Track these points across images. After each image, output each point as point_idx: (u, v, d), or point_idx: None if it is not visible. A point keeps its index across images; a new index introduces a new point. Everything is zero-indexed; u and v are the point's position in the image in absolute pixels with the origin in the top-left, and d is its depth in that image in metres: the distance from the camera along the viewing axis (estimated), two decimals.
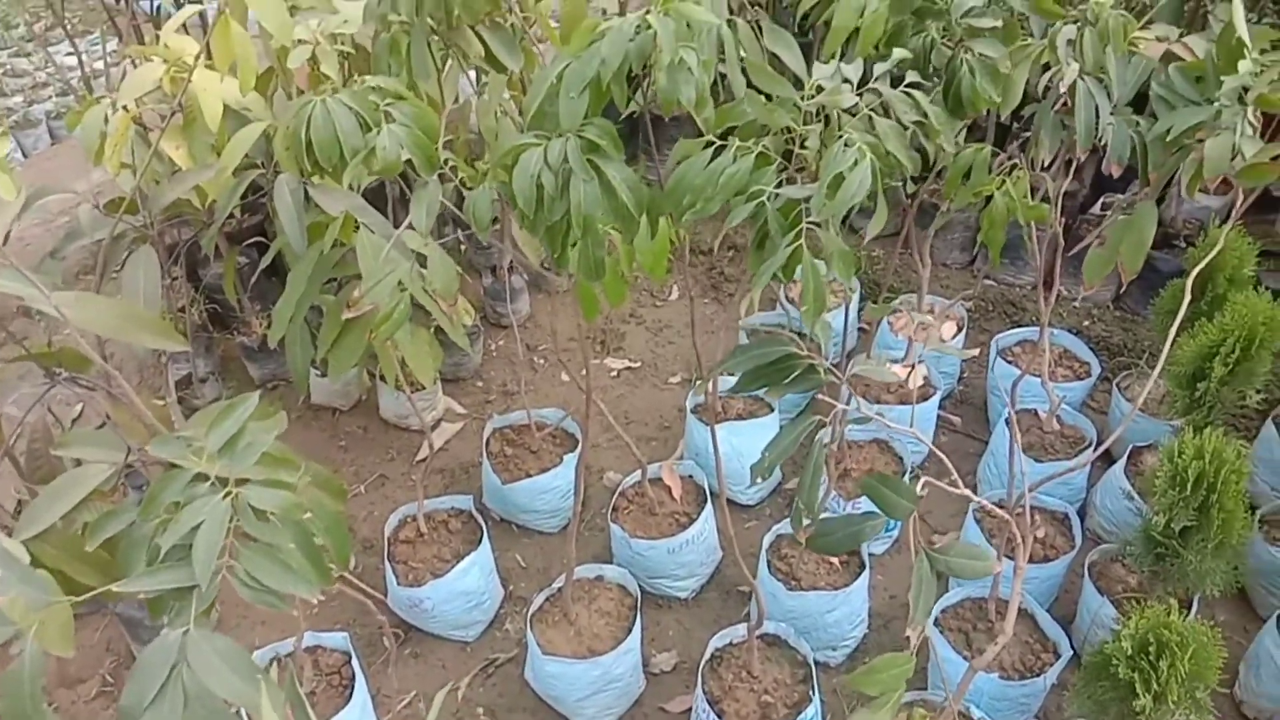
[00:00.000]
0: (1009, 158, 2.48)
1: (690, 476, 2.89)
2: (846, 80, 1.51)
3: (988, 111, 2.22)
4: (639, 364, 3.71)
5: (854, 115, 1.53)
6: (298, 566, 1.30)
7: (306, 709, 1.39)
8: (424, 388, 3.17)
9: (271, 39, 2.05)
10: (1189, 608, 2.44)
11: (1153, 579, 2.40)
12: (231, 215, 3.12)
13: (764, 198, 1.47)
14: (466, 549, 2.60)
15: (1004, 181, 2.42)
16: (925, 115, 1.60)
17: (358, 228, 2.08)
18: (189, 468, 1.34)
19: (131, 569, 1.37)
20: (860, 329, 3.73)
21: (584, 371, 2.22)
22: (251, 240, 3.31)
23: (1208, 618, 2.74)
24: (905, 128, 1.60)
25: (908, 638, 1.32)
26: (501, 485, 2.84)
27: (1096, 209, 3.89)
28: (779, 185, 1.48)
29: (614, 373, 3.65)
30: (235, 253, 2.97)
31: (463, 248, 4.04)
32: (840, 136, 1.46)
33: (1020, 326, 3.58)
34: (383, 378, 3.20)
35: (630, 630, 2.40)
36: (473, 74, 3.37)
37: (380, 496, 3.13)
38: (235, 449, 1.37)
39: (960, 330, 3.45)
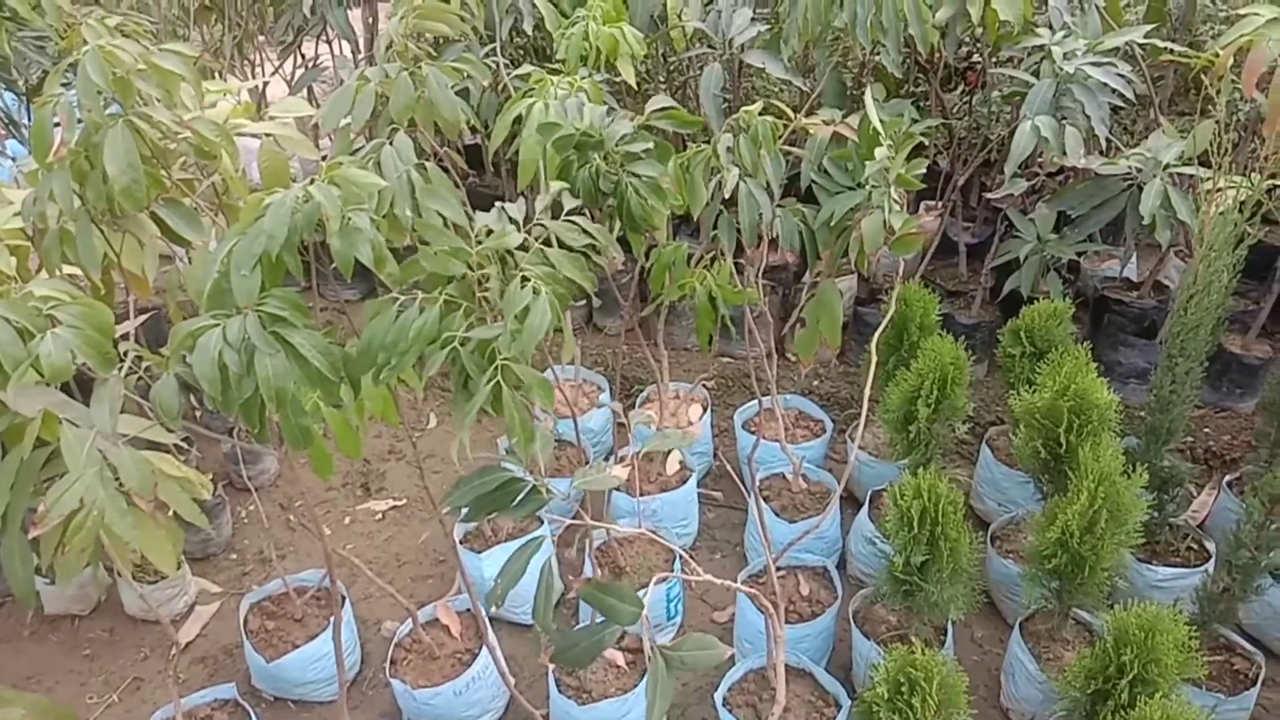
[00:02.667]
0: (710, 247, 2.67)
1: (469, 611, 2.84)
2: (512, 220, 1.59)
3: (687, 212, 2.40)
4: (404, 501, 3.63)
5: (527, 250, 1.61)
6: None
7: None
8: (167, 575, 2.95)
9: None
10: (946, 633, 2.64)
11: (908, 614, 2.58)
12: None
13: (455, 343, 1.51)
14: None
15: (705, 276, 2.60)
16: (592, 235, 1.71)
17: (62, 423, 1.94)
18: None
19: None
20: (619, 424, 3.84)
21: (321, 526, 2.16)
22: None
23: (966, 638, 2.98)
24: (576, 252, 1.70)
25: None
26: (267, 664, 2.67)
27: (809, 279, 4.25)
28: (469, 329, 1.52)
29: (379, 515, 3.56)
30: None
31: (197, 413, 3.85)
32: (518, 272, 1.53)
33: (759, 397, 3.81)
34: (119, 573, 2.96)
35: None
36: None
37: (137, 702, 2.86)
38: None
39: (705, 410, 3.62)
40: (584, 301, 4.46)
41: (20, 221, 2.19)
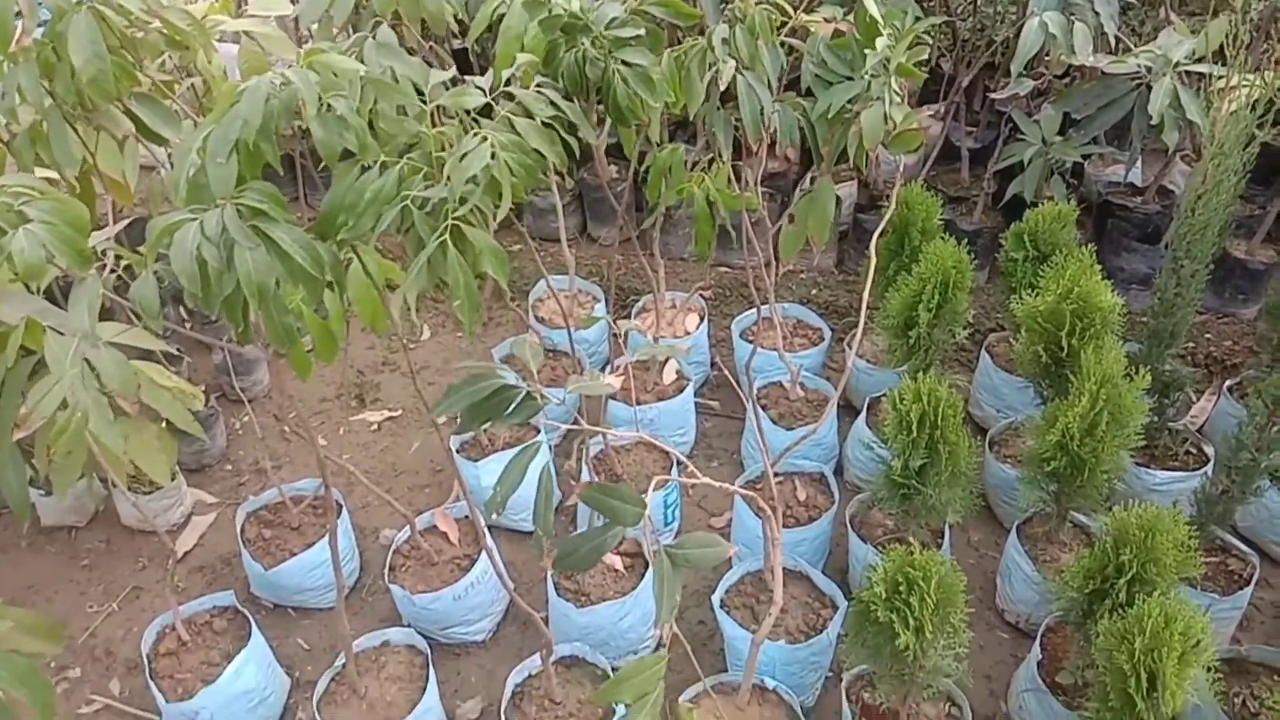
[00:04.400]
0: (707, 150, 2.59)
1: (466, 518, 2.83)
2: (477, 86, 1.52)
3: (683, 110, 2.32)
4: (400, 411, 3.61)
5: (491, 118, 1.54)
6: None
7: None
8: (163, 486, 2.94)
9: None
10: (942, 536, 2.64)
11: (905, 518, 2.58)
12: None
13: (407, 201, 1.46)
14: (236, 647, 2.43)
15: (703, 179, 2.53)
16: (559, 109, 1.64)
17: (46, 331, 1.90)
18: None
19: None
20: (613, 335, 3.79)
21: (315, 435, 2.13)
22: None
23: (962, 541, 2.99)
24: (545, 124, 1.63)
25: (660, 636, 1.33)
26: (265, 571, 2.67)
27: (808, 184, 4.16)
28: (425, 189, 1.47)
29: (374, 425, 3.54)
30: None
31: (187, 324, 3.80)
32: (474, 134, 1.47)
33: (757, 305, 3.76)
34: (115, 484, 2.95)
35: (424, 689, 2.32)
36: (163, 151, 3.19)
37: (136, 610, 2.88)
38: None
39: (702, 319, 3.57)
40: (577, 210, 4.39)
41: None
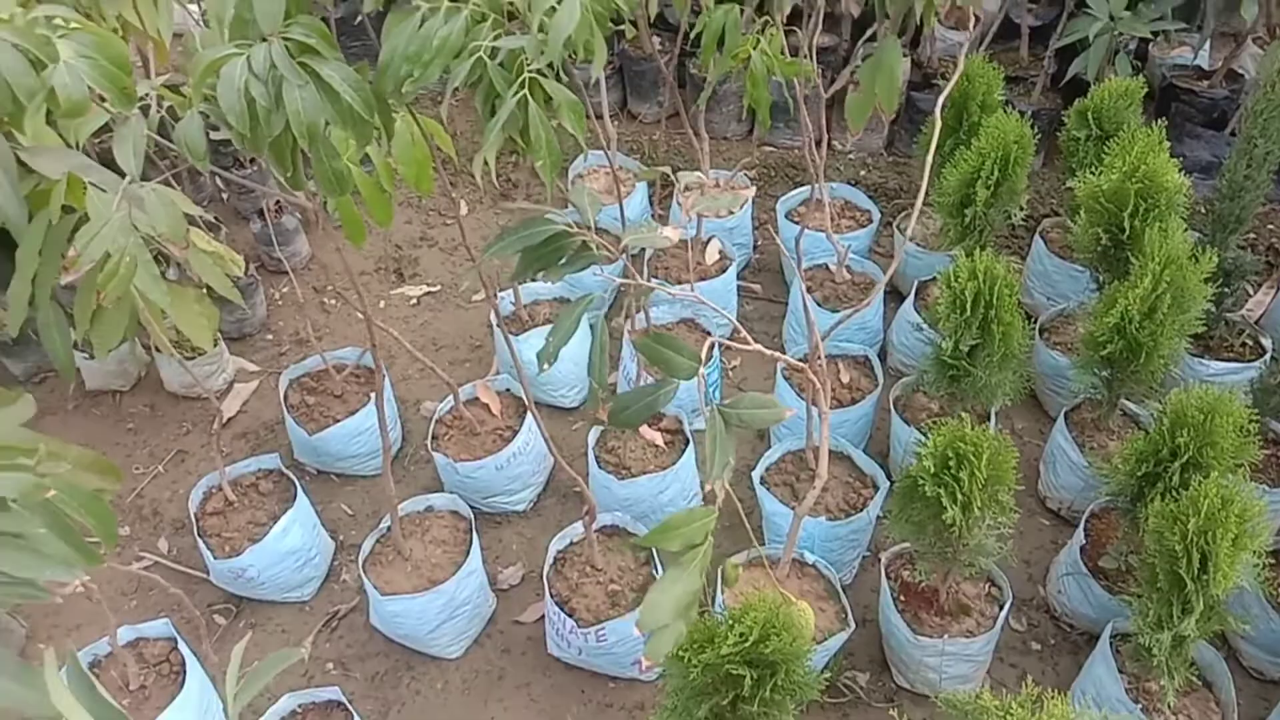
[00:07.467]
0: (759, 14, 2.47)
1: (508, 391, 2.83)
2: None
3: None
4: (439, 287, 3.58)
5: None
6: (52, 551, 1.17)
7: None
8: (205, 352, 2.95)
9: None
10: (987, 421, 2.61)
11: (951, 401, 2.54)
12: None
13: (481, 53, 1.38)
14: (282, 508, 2.47)
15: (758, 41, 2.42)
16: None
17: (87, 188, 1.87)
18: None
19: None
20: (653, 216, 3.72)
21: (366, 303, 2.10)
22: None
23: (1006, 428, 2.95)
24: None
25: (712, 493, 1.31)
26: (309, 436, 2.70)
27: (859, 61, 3.99)
28: (496, 40, 1.40)
29: (413, 300, 3.52)
30: None
31: (224, 196, 3.77)
32: None
33: (802, 186, 3.65)
34: (158, 348, 2.96)
35: (468, 553, 2.35)
36: (194, 8, 3.09)
37: (182, 473, 2.93)
38: None
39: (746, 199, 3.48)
40: (617, 84, 4.26)
41: None
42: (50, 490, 1.16)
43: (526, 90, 1.39)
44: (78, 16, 1.51)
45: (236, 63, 1.32)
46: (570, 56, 1.45)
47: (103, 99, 1.44)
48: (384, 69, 1.42)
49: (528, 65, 1.39)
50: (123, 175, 1.74)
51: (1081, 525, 2.39)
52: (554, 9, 1.34)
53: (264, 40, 1.34)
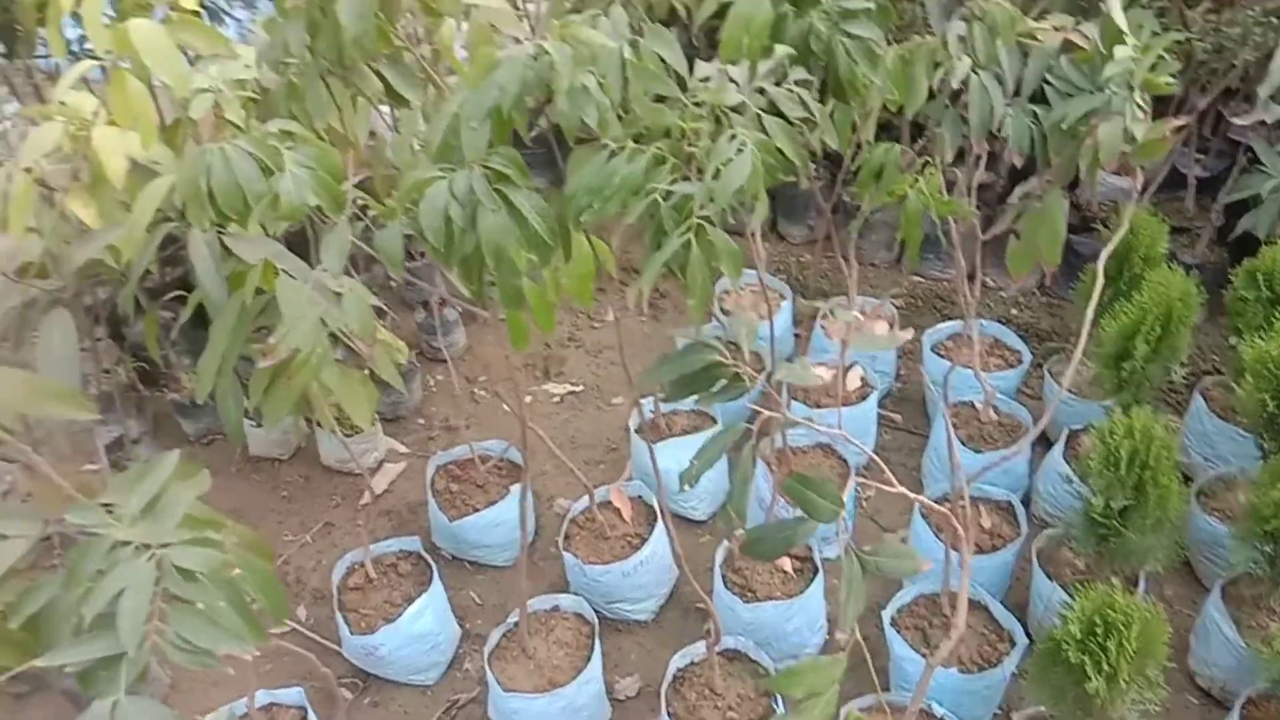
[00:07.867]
0: (920, 154, 2.52)
1: (640, 497, 2.88)
2: (732, 80, 1.53)
3: (899, 110, 2.26)
4: (581, 387, 3.69)
5: (742, 114, 1.55)
6: (229, 624, 1.26)
7: None
8: (361, 430, 3.12)
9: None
10: (1136, 585, 2.48)
11: (1098, 560, 2.44)
12: (150, 271, 3.05)
13: (656, 194, 1.48)
14: (418, 591, 2.56)
15: (916, 179, 2.46)
16: (809, 110, 1.62)
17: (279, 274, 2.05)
18: (108, 534, 1.30)
19: (56, 643, 1.32)
20: (795, 335, 3.76)
21: (522, 399, 2.20)
22: (175, 294, 3.23)
23: (1156, 594, 2.80)
24: (792, 124, 1.62)
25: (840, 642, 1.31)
26: (449, 523, 2.80)
27: (1014, 199, 3.98)
28: (673, 184, 1.49)
29: (556, 398, 3.63)
30: (156, 309, 2.90)
31: (393, 284, 4.01)
32: (729, 133, 1.48)
33: (950, 320, 3.63)
34: (319, 423, 3.15)
35: (589, 659, 2.37)
36: (387, 110, 3.36)
37: (328, 544, 3.07)
38: (156, 511, 1.33)
39: (891, 328, 3.48)
40: (768, 205, 4.36)
41: (248, 73, 2.28)
42: (235, 569, 1.26)
43: (693, 234, 1.47)
44: (302, 130, 1.69)
45: (440, 186, 1.45)
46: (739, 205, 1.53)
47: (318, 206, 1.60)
48: (569, 197, 1.53)
49: (697, 211, 1.48)
50: (308, 261, 1.91)
51: (1236, 710, 2.23)
52: (730, 160, 1.42)
53: (465, 167, 1.47)
